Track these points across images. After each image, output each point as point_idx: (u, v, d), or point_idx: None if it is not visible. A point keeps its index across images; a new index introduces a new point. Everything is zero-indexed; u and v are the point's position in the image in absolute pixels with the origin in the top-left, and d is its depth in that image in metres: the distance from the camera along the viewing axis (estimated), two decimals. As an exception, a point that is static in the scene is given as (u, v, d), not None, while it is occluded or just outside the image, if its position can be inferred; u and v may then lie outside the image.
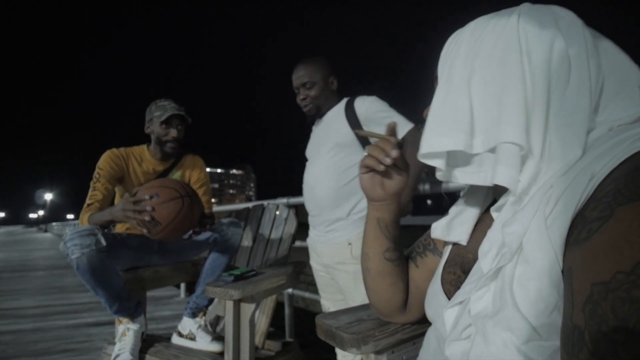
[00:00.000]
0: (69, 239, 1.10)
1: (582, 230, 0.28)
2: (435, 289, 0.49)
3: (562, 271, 0.29)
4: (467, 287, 0.39)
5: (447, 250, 0.51)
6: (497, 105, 0.37)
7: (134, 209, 1.09)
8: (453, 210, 0.51)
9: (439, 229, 0.50)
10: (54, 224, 34.90)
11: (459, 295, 0.40)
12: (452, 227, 0.49)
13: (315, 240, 1.32)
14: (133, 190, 1.16)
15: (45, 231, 35.17)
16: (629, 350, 0.21)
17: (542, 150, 0.35)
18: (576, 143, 0.34)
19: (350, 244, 1.19)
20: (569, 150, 0.34)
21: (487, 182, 0.39)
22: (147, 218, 1.08)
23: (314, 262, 1.36)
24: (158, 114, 1.42)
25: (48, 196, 71.92)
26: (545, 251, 0.30)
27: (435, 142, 0.40)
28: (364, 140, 1.20)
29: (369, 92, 1.28)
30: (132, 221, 1.11)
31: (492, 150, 0.38)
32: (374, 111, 1.19)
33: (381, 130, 1.20)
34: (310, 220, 1.33)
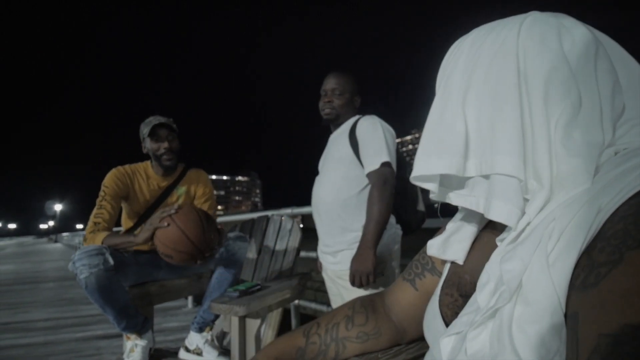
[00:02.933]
0: (78, 259, 1.12)
1: (589, 275, 0.26)
2: (433, 311, 0.47)
3: (565, 315, 0.28)
4: (464, 317, 0.38)
5: (446, 268, 0.50)
6: (491, 130, 0.35)
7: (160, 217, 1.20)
8: (450, 226, 0.49)
9: (434, 247, 0.48)
10: (63, 234, 35.41)
11: (456, 325, 0.38)
12: (449, 244, 0.47)
13: (321, 258, 1.36)
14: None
15: (56, 241, 35.60)
16: None
17: (550, 181, 0.33)
18: (585, 174, 0.31)
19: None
20: (579, 182, 0.31)
21: (479, 209, 0.37)
22: (173, 211, 1.21)
23: (324, 274, 1.38)
24: (145, 131, 1.44)
25: (58, 207, 72.91)
26: (547, 293, 0.28)
27: (427, 165, 0.39)
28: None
29: (371, 100, 1.32)
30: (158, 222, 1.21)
31: (486, 177, 0.36)
32: (361, 133, 1.25)
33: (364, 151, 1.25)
34: (317, 232, 1.38)
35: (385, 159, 1.19)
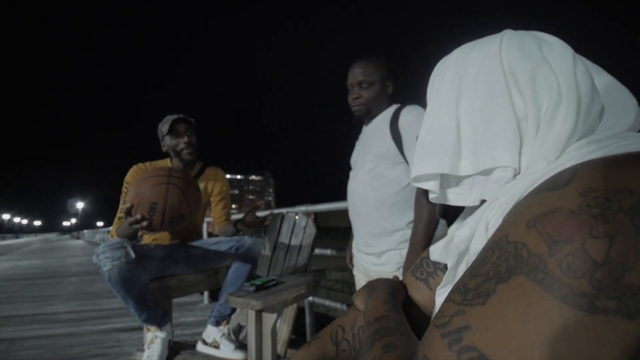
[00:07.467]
0: (101, 252, 1.17)
1: None
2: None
3: None
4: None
5: None
6: (487, 129, 0.38)
7: (134, 228, 1.18)
8: (451, 230, 0.49)
9: (437, 252, 0.48)
10: (85, 231, 36.66)
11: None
12: (450, 249, 0.46)
13: (360, 258, 1.26)
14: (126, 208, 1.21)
15: (78, 238, 36.87)
16: None
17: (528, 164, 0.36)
18: (543, 161, 0.34)
19: (399, 269, 1.13)
20: (536, 166, 0.35)
21: (476, 202, 0.40)
22: (144, 224, 1.17)
23: (359, 273, 1.29)
24: (164, 128, 1.47)
25: (79, 205, 75.45)
26: None
27: (422, 166, 0.42)
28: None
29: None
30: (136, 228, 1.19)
31: (484, 173, 0.39)
32: (406, 126, 1.14)
33: (408, 147, 1.14)
34: (354, 230, 1.29)
35: None
